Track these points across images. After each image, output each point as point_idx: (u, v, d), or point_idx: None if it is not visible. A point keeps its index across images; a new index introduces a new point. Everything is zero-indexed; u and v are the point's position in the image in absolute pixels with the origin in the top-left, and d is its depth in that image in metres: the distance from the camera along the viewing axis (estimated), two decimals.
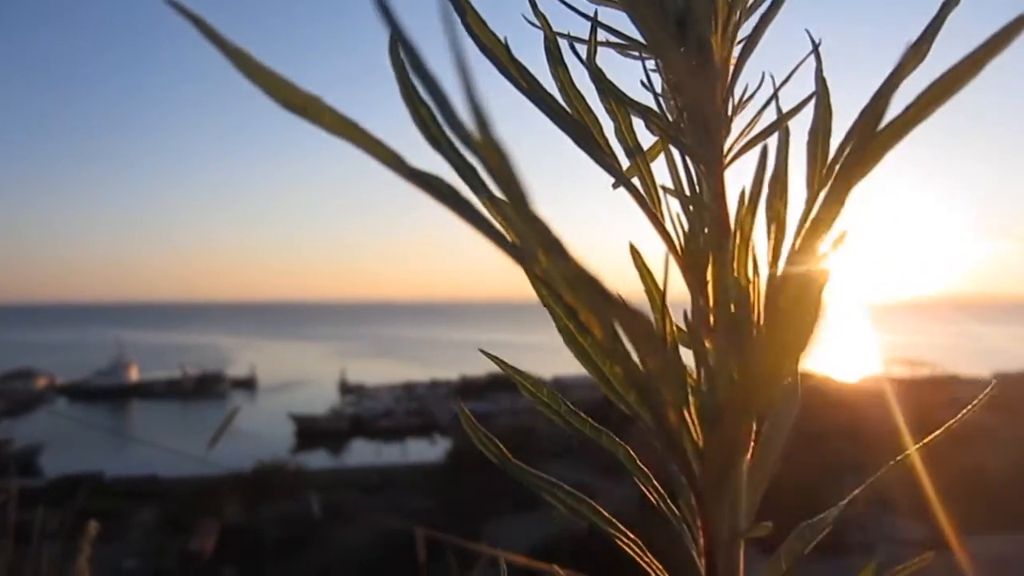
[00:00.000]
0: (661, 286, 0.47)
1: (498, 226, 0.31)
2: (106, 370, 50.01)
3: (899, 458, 0.47)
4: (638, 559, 0.47)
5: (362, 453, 32.30)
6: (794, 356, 0.28)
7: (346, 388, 45.53)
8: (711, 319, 0.45)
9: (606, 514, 0.50)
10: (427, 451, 30.20)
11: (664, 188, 0.49)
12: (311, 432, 34.23)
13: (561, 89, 0.49)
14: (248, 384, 51.01)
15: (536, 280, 0.46)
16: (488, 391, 40.52)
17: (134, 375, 50.81)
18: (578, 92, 0.49)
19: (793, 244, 0.38)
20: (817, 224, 0.34)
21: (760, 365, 0.29)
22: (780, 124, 0.48)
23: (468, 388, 42.71)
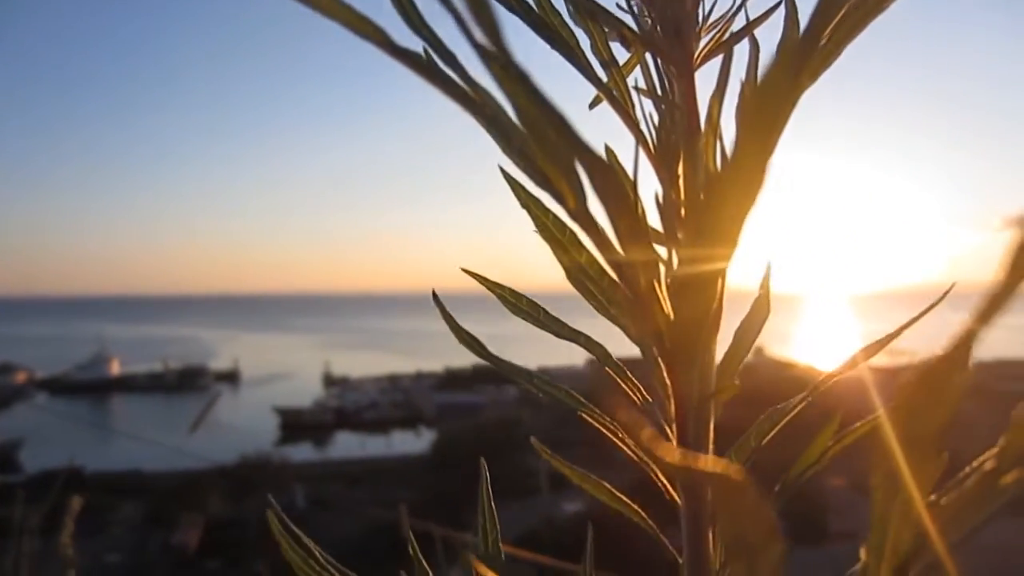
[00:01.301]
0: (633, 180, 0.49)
1: (471, 93, 0.35)
2: (87, 364, 49.57)
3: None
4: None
5: (347, 445, 32.28)
6: (741, 217, 0.30)
7: (330, 380, 45.42)
8: (682, 211, 0.47)
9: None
10: (412, 443, 30.23)
11: (637, 88, 0.52)
12: (295, 425, 34.15)
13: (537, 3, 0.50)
14: (231, 377, 50.77)
15: (512, 179, 0.49)
16: (473, 382, 40.61)
17: (115, 369, 50.39)
18: (553, 6, 0.51)
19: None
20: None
21: (717, 229, 0.31)
22: (747, 31, 0.51)
23: (453, 380, 42.77)
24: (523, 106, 0.30)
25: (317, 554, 0.58)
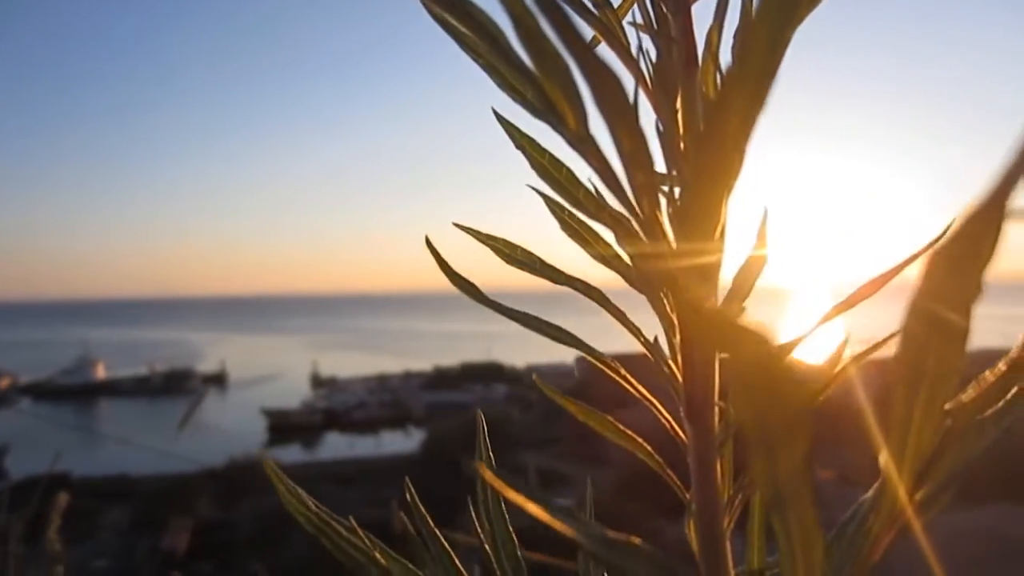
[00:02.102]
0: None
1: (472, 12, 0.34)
2: (72, 368, 49.10)
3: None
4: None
5: (336, 446, 32.17)
6: (741, 143, 0.30)
7: (318, 381, 45.22)
8: (681, 145, 0.46)
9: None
10: (402, 442, 30.18)
11: (634, 24, 0.51)
12: (284, 426, 34.00)
13: None
14: (219, 380, 50.45)
15: (506, 121, 0.48)
16: (462, 381, 40.56)
17: (101, 373, 49.94)
18: None
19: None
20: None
21: (717, 156, 0.30)
22: None
23: (442, 379, 42.70)
24: (519, 14, 0.29)
25: (310, 503, 0.61)
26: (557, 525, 0.30)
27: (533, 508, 0.32)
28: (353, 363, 54.17)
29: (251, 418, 34.84)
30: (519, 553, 0.52)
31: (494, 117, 0.52)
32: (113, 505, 18.54)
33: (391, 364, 49.98)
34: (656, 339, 0.49)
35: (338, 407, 37.35)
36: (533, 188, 0.52)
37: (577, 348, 0.50)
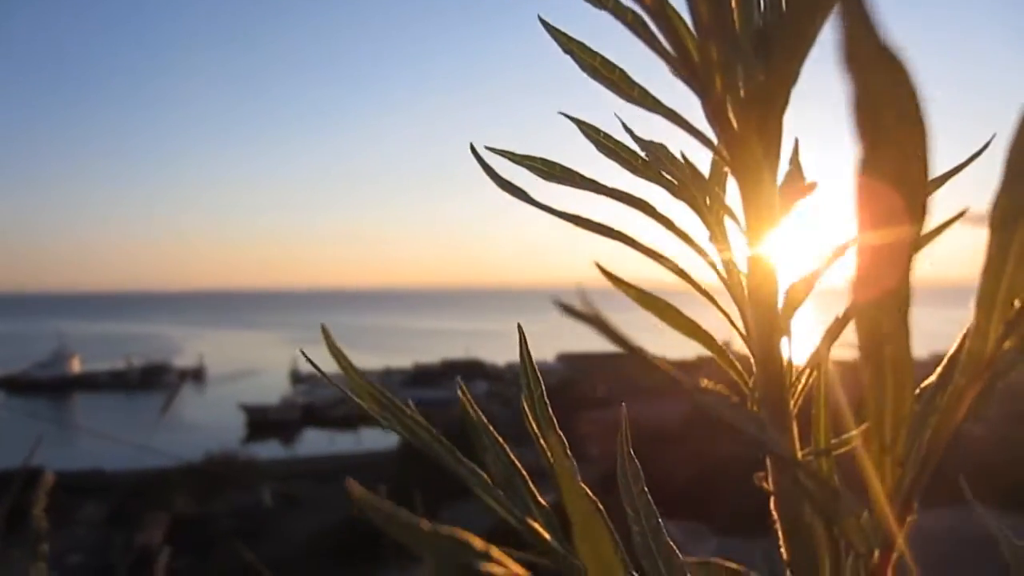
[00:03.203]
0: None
1: None
2: (46, 361, 48.44)
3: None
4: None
5: (315, 442, 32.01)
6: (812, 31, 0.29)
7: (298, 377, 44.96)
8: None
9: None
10: (381, 439, 30.07)
11: None
12: (262, 422, 33.77)
13: None
14: (197, 374, 49.99)
15: (553, 28, 0.47)
16: (442, 378, 40.48)
17: (76, 366, 49.32)
18: None
19: None
20: None
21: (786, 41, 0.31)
22: None
23: (422, 376, 42.62)
24: None
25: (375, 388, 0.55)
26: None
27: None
28: (332, 359, 53.64)
29: (229, 414, 34.57)
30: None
31: (540, 24, 0.49)
32: (88, 500, 18.34)
33: (371, 361, 49.79)
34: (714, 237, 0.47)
35: (318, 403, 37.15)
36: (565, 115, 0.52)
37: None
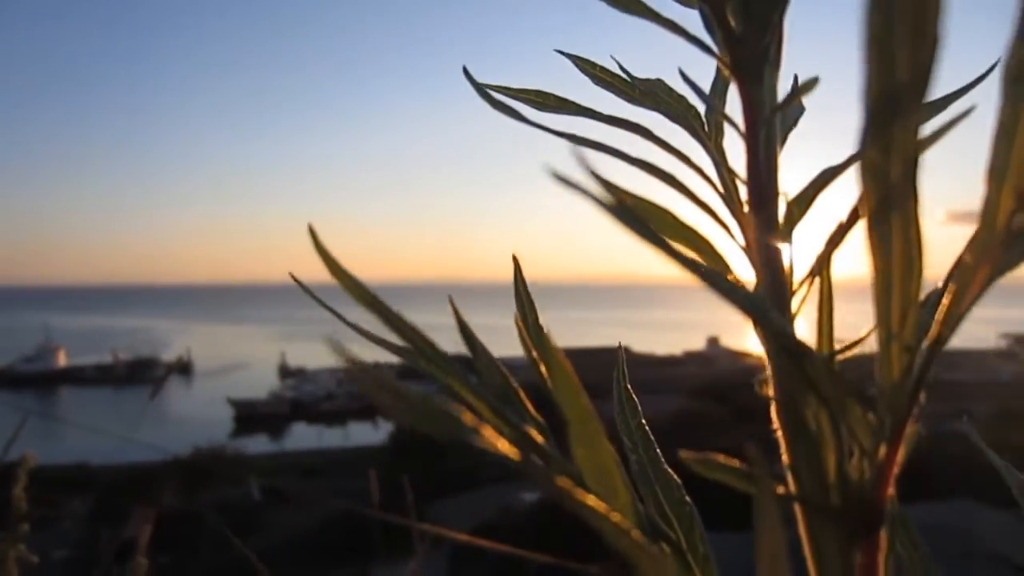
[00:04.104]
0: None
1: None
2: (32, 356, 48.11)
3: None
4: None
5: (303, 437, 31.93)
6: None
7: (286, 371, 44.83)
8: None
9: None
10: (370, 434, 30.04)
11: None
12: (250, 417, 33.67)
13: None
14: (184, 369, 49.75)
15: None
16: None
17: (62, 360, 48.99)
18: None
19: None
20: None
21: None
22: None
23: (412, 370, 42.44)
24: None
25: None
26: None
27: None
28: (321, 354, 53.44)
29: (217, 408, 34.44)
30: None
31: None
32: (74, 495, 18.25)
33: (362, 355, 49.52)
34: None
35: (306, 398, 37.07)
36: (561, 52, 0.52)
37: None
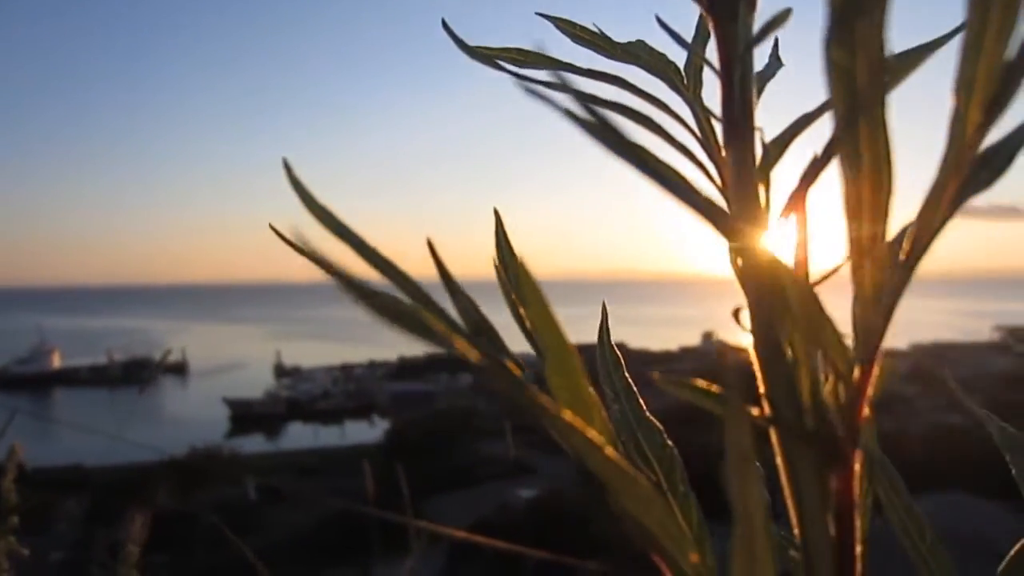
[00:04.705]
0: None
1: None
2: (26, 357, 47.92)
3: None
4: None
5: (299, 436, 31.90)
6: None
7: (282, 371, 44.77)
8: None
9: None
10: (366, 432, 30.02)
11: None
12: (246, 416, 33.61)
13: None
14: (179, 369, 49.63)
15: None
16: (427, 371, 40.46)
17: (57, 362, 48.82)
18: None
19: None
20: None
21: None
22: None
23: (407, 369, 42.56)
24: None
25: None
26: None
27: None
28: (316, 353, 53.66)
29: (212, 408, 34.37)
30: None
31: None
32: (69, 496, 18.21)
33: (355, 354, 49.64)
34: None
35: (302, 397, 37.03)
36: (542, 15, 0.52)
37: None
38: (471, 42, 0.48)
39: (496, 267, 0.47)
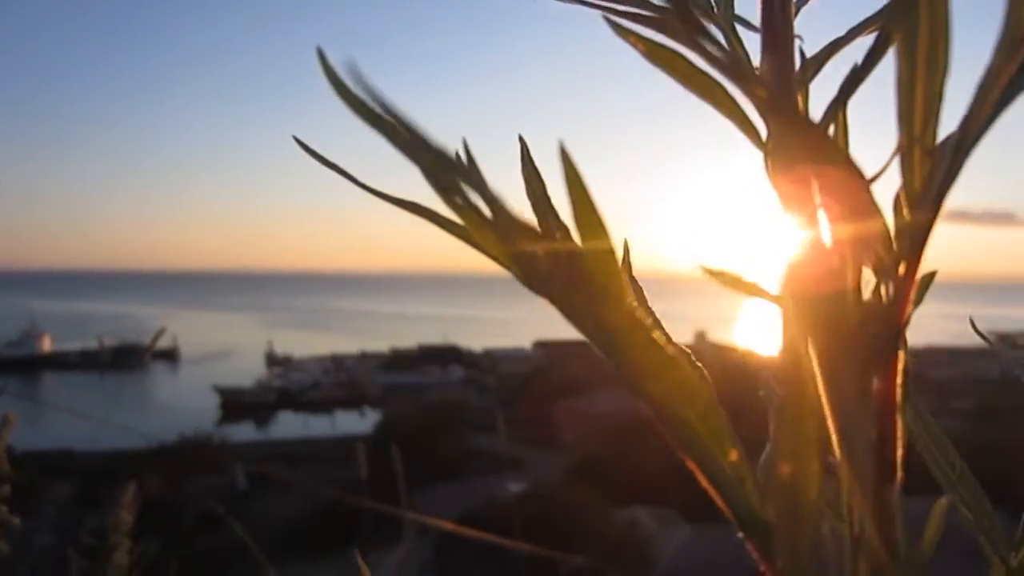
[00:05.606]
0: None
1: None
2: (16, 340, 47.73)
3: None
4: None
5: (290, 425, 31.88)
6: None
7: (273, 360, 44.69)
8: None
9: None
10: (356, 423, 30.02)
11: None
12: (236, 404, 33.56)
13: None
14: (170, 355, 49.49)
15: None
16: (419, 363, 40.46)
17: (47, 346, 48.64)
18: None
19: None
20: None
21: None
22: None
23: (398, 360, 42.55)
24: None
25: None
26: None
27: None
28: (308, 342, 53.55)
29: (203, 395, 34.30)
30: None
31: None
32: (57, 481, 18.18)
33: (347, 344, 49.58)
34: None
35: (293, 387, 37.00)
36: None
37: None
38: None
39: (528, 194, 0.43)
